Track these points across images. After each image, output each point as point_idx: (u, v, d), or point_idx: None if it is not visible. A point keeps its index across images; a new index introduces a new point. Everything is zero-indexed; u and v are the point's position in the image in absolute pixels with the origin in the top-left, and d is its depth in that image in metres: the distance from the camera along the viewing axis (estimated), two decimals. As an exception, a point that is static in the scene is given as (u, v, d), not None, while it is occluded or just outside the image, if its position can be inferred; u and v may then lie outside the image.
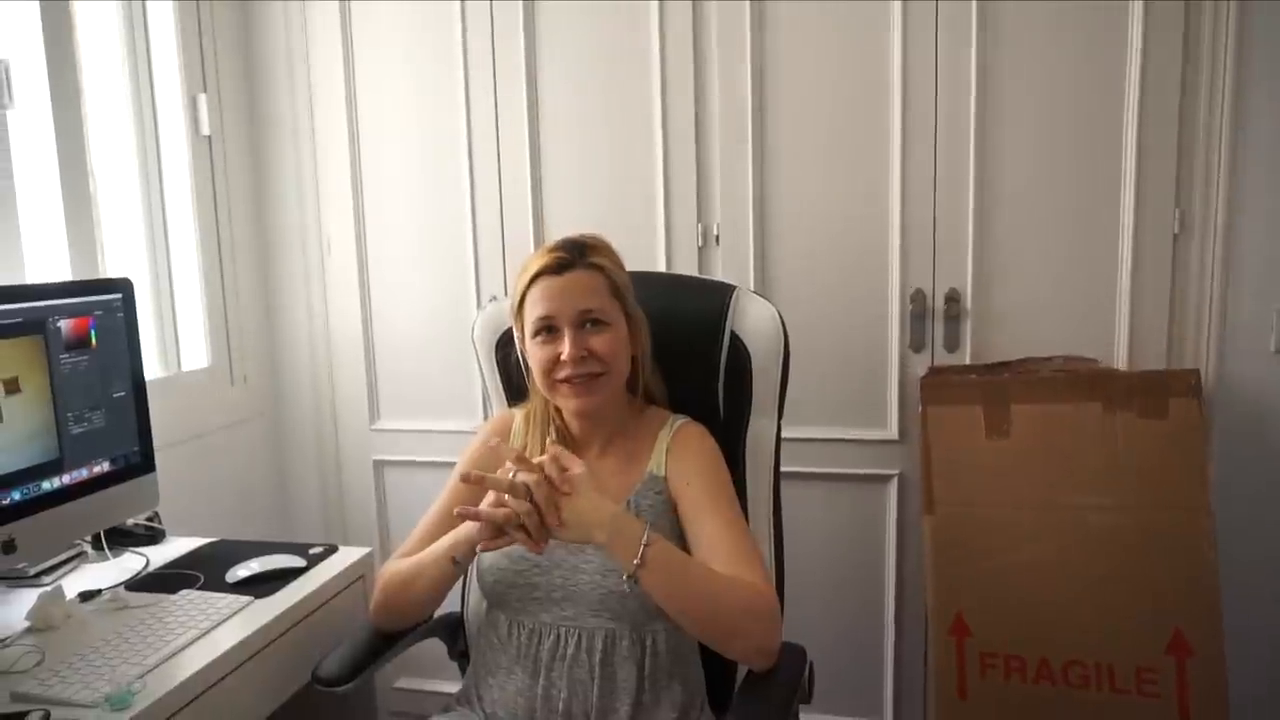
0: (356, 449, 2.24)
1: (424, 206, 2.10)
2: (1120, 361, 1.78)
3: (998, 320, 1.83)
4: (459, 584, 1.43)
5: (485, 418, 2.03)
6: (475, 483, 1.11)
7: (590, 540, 1.11)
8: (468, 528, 1.17)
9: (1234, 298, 1.72)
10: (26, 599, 1.31)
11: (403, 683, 2.24)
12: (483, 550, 1.16)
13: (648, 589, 1.10)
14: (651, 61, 1.91)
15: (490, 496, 1.11)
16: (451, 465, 1.39)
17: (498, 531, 1.10)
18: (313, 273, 2.19)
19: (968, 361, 1.84)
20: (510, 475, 1.10)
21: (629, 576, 1.09)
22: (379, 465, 2.23)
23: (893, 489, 1.92)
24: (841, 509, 1.96)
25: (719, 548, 1.19)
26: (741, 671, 1.24)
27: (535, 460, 1.11)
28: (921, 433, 1.78)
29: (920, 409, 1.78)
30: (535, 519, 1.08)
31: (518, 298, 1.29)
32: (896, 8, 1.78)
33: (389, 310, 2.17)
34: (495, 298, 1.95)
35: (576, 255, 1.26)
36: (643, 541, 1.09)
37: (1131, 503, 1.66)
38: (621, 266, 1.31)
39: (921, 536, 1.78)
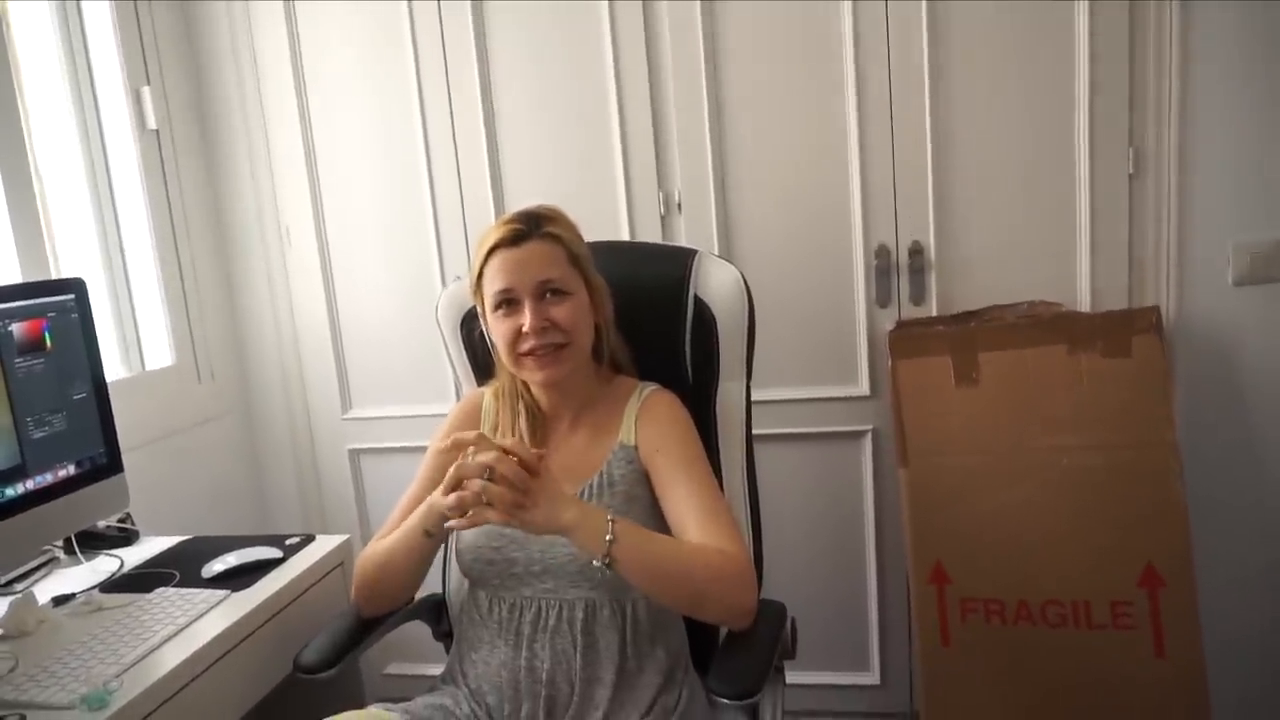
0: (330, 439, 2.23)
1: (382, 189, 2.08)
2: (1084, 304, 1.79)
3: (962, 270, 1.84)
4: (439, 564, 1.43)
5: (458, 399, 2.01)
6: (450, 449, 1.10)
7: (556, 528, 1.09)
8: (437, 500, 1.14)
9: (1190, 234, 1.73)
10: (-2, 607, 1.30)
11: (392, 668, 2.25)
12: (452, 529, 1.15)
13: (620, 570, 1.10)
14: (603, 31, 1.89)
15: (451, 471, 1.09)
16: (426, 449, 1.39)
17: (462, 510, 1.08)
18: (274, 264, 2.17)
19: (934, 313, 1.85)
20: (470, 456, 1.08)
21: (601, 561, 1.08)
22: (354, 454, 2.22)
23: (867, 444, 1.94)
24: (818, 467, 1.98)
25: (691, 513, 1.19)
26: (724, 632, 1.25)
27: (499, 442, 1.09)
28: (892, 386, 1.79)
29: (890, 363, 1.79)
30: (499, 492, 1.06)
31: (476, 273, 1.28)
32: (845, -38, 1.77)
33: (354, 297, 2.15)
34: (459, 276, 1.93)
35: (532, 226, 1.25)
36: (609, 524, 1.09)
37: (1100, 441, 1.68)
38: (579, 235, 1.29)
39: (898, 489, 1.79)
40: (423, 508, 1.21)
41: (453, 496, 1.07)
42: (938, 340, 1.77)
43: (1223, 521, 1.78)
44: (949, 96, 1.78)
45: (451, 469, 1.08)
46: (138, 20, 1.95)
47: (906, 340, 1.79)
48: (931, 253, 1.84)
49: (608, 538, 1.08)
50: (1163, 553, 1.64)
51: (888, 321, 1.86)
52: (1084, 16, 1.70)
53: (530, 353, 1.24)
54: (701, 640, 1.36)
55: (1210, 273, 1.74)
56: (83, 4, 1.88)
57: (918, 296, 1.86)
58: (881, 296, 1.87)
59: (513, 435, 1.32)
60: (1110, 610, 1.66)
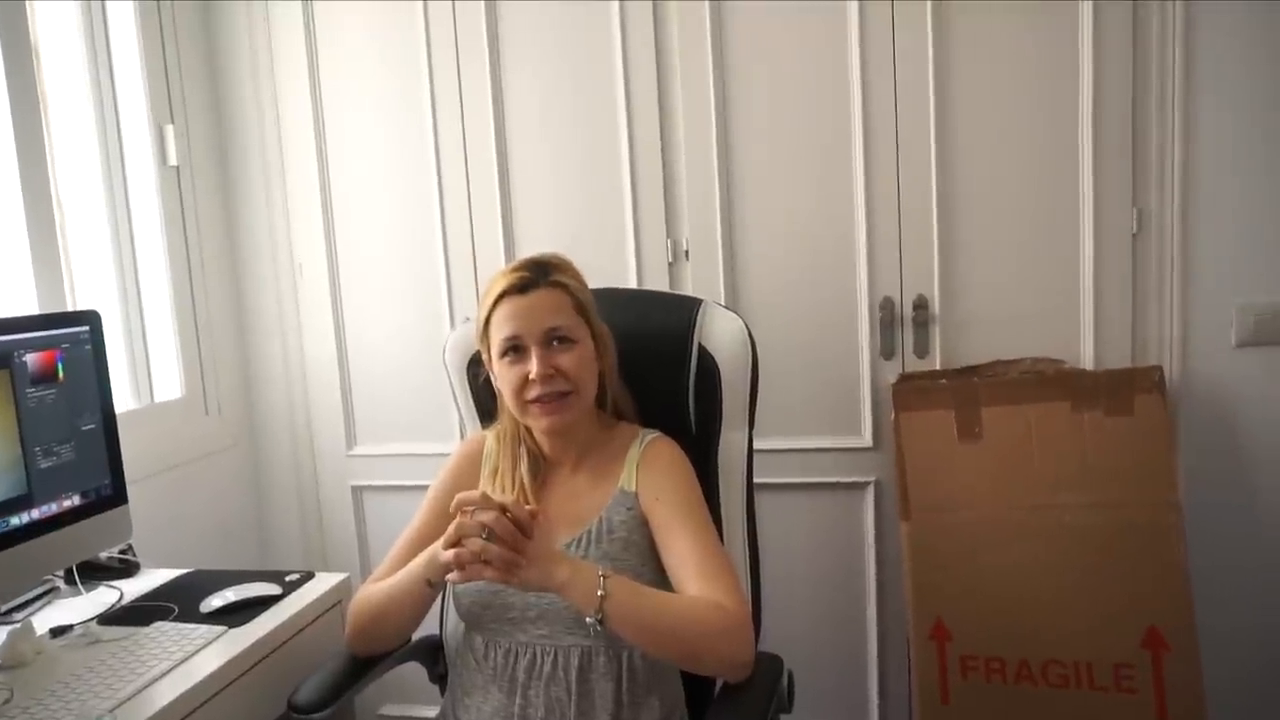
0: (334, 475, 2.23)
1: (395, 230, 2.11)
2: (1086, 361, 1.80)
3: (966, 325, 1.85)
4: (437, 606, 1.43)
5: (462, 439, 2.02)
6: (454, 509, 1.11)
7: (549, 586, 1.10)
8: (440, 551, 1.16)
9: (1194, 294, 1.74)
10: (-4, 637, 1.30)
11: (387, 709, 2.23)
12: (452, 583, 1.16)
13: (613, 626, 1.10)
14: (616, 80, 1.93)
15: (451, 529, 1.11)
16: (428, 489, 1.40)
17: (461, 566, 1.10)
18: (285, 300, 2.19)
19: (938, 367, 1.86)
20: (470, 514, 1.10)
21: (594, 618, 1.09)
22: (357, 491, 2.22)
23: (869, 496, 1.94)
24: (820, 518, 1.97)
25: (689, 562, 1.20)
26: (720, 683, 1.24)
27: (497, 499, 1.10)
28: (895, 439, 1.79)
29: (893, 415, 1.80)
30: (496, 552, 1.07)
31: (483, 320, 1.29)
32: (854, 22, 1.81)
33: (363, 335, 2.17)
34: (469, 318, 1.95)
35: (540, 274, 1.27)
36: (601, 580, 1.09)
37: (1102, 500, 1.68)
38: (584, 284, 1.31)
39: (899, 542, 1.79)
40: (425, 556, 1.21)
41: (451, 553, 1.08)
42: (941, 394, 1.77)
43: (1225, 584, 1.76)
44: (955, 151, 1.81)
45: (452, 526, 1.10)
46: (164, 59, 2.01)
47: (910, 393, 1.79)
48: (936, 306, 1.85)
49: (600, 593, 1.09)
50: (1166, 616, 1.62)
51: (891, 374, 1.87)
52: (1088, 76, 1.73)
53: (536, 400, 1.25)
54: (698, 690, 1.35)
55: (1213, 334, 1.75)
56: (111, 41, 1.94)
57: (921, 350, 1.87)
58: (885, 349, 1.88)
59: (513, 479, 1.33)
60: (1113, 673, 1.64)
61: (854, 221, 1.86)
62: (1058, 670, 1.68)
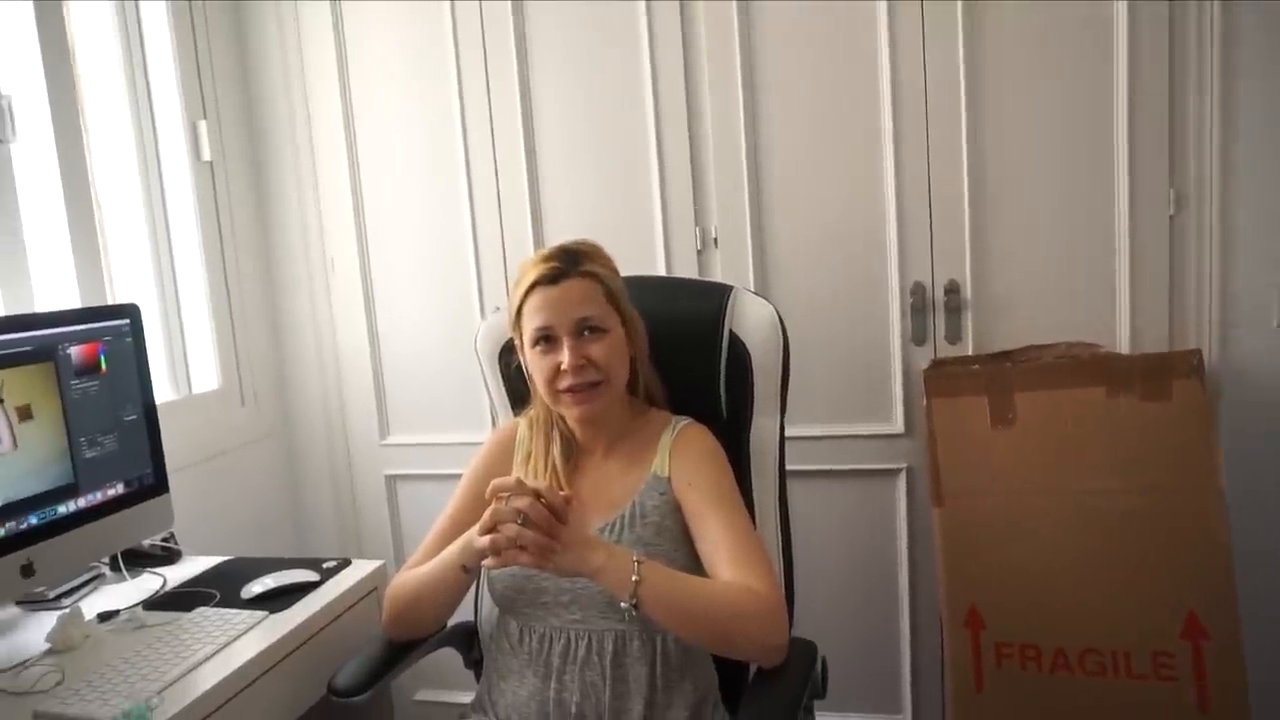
0: (368, 464, 2.26)
1: (424, 220, 2.13)
2: (1123, 345, 1.77)
3: (998, 310, 1.83)
4: (471, 592, 1.45)
5: (494, 427, 2.04)
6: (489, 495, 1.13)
7: (584, 571, 1.11)
8: (475, 537, 1.17)
9: (1233, 276, 1.71)
10: (46, 622, 1.33)
11: (422, 695, 2.25)
12: (488, 569, 1.17)
13: (647, 610, 1.11)
14: (642, 69, 1.93)
15: (486, 515, 1.12)
16: (461, 477, 1.41)
17: (497, 551, 1.11)
18: (318, 292, 2.22)
19: (970, 352, 1.84)
20: (505, 500, 1.11)
21: (628, 602, 1.09)
22: (391, 480, 2.25)
23: (901, 483, 1.93)
24: (852, 505, 1.96)
25: (722, 548, 1.20)
26: (754, 669, 1.25)
27: (531, 485, 1.11)
28: (927, 425, 1.78)
29: (925, 401, 1.78)
30: (532, 537, 1.08)
31: (515, 309, 1.30)
32: (883, 8, 1.79)
33: (395, 325, 2.19)
34: (499, 308, 1.96)
35: (570, 264, 1.27)
36: (635, 565, 1.10)
37: (1140, 486, 1.65)
38: (615, 271, 1.32)
39: (932, 529, 1.78)
40: (460, 543, 1.23)
41: (487, 539, 1.10)
42: (974, 379, 1.76)
43: (1267, 569, 1.73)
44: (986, 134, 1.79)
45: (487, 512, 1.11)
46: (196, 58, 2.04)
47: (942, 379, 1.78)
48: (968, 291, 1.83)
49: (634, 578, 1.10)
50: (1206, 601, 1.60)
51: (923, 360, 1.86)
52: (1123, 56, 1.70)
53: (568, 390, 1.26)
54: (731, 675, 1.35)
55: (1254, 315, 1.71)
56: (145, 40, 1.97)
57: (953, 335, 1.85)
58: (917, 334, 1.86)
59: (546, 464, 1.34)
60: (1151, 661, 1.62)
61: (884, 206, 1.85)
62: (1095, 659, 1.66)
